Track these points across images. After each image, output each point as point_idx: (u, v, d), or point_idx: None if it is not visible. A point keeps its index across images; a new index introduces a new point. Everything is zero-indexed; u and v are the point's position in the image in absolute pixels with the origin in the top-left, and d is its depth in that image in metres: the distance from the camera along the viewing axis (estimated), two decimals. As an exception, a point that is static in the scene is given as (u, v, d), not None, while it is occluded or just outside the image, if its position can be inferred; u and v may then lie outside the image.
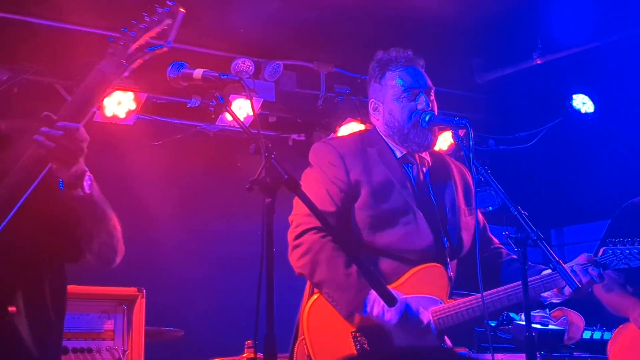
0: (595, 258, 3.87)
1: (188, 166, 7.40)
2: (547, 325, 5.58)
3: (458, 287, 4.18)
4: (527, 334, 3.51)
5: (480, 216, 4.27)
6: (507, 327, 5.50)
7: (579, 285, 3.57)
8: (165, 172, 7.16)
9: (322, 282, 3.81)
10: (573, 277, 3.55)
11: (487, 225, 4.32)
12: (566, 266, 3.74)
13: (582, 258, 3.86)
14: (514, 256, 4.19)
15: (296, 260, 3.88)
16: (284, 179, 2.70)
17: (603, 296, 5.23)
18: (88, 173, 2.84)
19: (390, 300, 2.83)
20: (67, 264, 3.11)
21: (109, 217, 2.98)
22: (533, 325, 5.63)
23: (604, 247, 3.91)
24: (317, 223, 3.77)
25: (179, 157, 7.34)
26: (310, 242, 3.83)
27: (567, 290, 3.83)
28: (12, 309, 2.77)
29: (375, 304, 3.75)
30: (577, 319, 5.80)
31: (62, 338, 3.15)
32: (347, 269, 3.77)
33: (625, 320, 5.11)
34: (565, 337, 5.41)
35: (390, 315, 3.76)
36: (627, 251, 3.87)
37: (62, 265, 3.07)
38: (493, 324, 5.60)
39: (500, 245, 4.28)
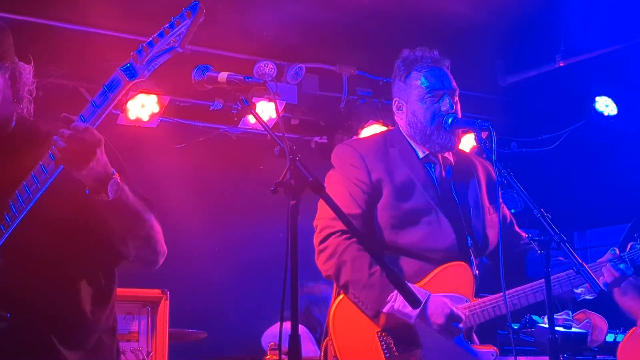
0: (622, 253, 3.87)
1: (211, 169, 7.43)
2: (570, 328, 5.56)
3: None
4: (551, 336, 3.52)
5: (507, 212, 4.27)
6: (529, 329, 5.49)
7: (603, 289, 3.56)
8: (189, 175, 7.19)
9: (348, 282, 3.84)
10: (597, 280, 3.54)
11: (514, 220, 4.31)
12: (594, 263, 3.75)
13: (610, 254, 3.88)
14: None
15: (322, 263, 3.91)
16: (308, 182, 2.71)
17: (619, 299, 5.22)
18: (116, 177, 2.84)
19: (413, 301, 2.84)
20: (113, 267, 3.10)
21: (143, 220, 2.97)
22: (556, 328, 5.63)
23: (632, 242, 3.90)
24: (341, 226, 3.81)
25: (202, 159, 7.37)
26: (334, 245, 3.86)
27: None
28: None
29: (397, 299, 3.75)
30: (600, 321, 5.78)
31: (114, 339, 3.12)
32: (371, 268, 3.79)
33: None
34: (589, 339, 5.39)
35: (410, 308, 3.73)
36: None
37: (100, 269, 3.05)
38: (516, 327, 5.59)
39: (529, 241, 4.26)
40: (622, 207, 7.72)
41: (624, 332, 5.79)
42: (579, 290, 3.91)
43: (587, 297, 3.97)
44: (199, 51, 6.95)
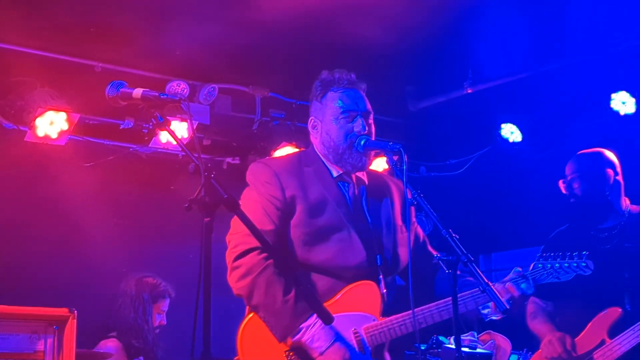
0: (525, 272, 3.97)
1: (121, 188, 7.33)
2: (475, 348, 5.68)
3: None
4: (457, 354, 3.60)
5: (420, 231, 4.34)
6: (436, 350, 5.59)
7: (507, 307, 3.65)
8: (98, 194, 7.08)
9: (259, 305, 3.84)
10: (502, 300, 3.63)
11: (427, 240, 4.39)
12: (498, 283, 3.85)
13: (513, 273, 3.96)
14: (458, 271, 4.27)
15: (235, 282, 3.89)
16: (223, 199, 2.73)
17: (529, 323, 5.35)
18: None
19: (326, 318, 2.87)
20: None
21: None
22: (462, 348, 5.73)
23: (535, 262, 4.01)
24: (256, 243, 3.81)
25: (112, 178, 7.26)
26: (250, 264, 3.85)
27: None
28: None
29: (307, 331, 3.79)
30: (504, 343, 5.92)
31: None
32: (285, 295, 3.80)
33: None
34: (493, 360, 5.51)
35: (318, 344, 3.79)
36: (557, 265, 3.97)
37: None
38: (423, 347, 5.68)
39: (438, 260, 4.34)
40: (526, 232, 7.92)
41: (527, 353, 5.95)
42: (485, 311, 3.98)
43: (494, 318, 4.05)
44: (111, 69, 6.89)
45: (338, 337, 3.83)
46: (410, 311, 3.86)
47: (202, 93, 7.30)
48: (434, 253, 4.33)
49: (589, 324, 4.98)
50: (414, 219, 4.30)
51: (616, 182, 5.21)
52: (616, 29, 6.79)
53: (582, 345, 4.95)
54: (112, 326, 6.24)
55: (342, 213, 4.03)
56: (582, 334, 4.99)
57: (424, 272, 4.21)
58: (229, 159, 7.86)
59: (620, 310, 4.93)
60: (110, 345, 6.09)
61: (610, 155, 5.29)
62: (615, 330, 4.90)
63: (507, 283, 3.91)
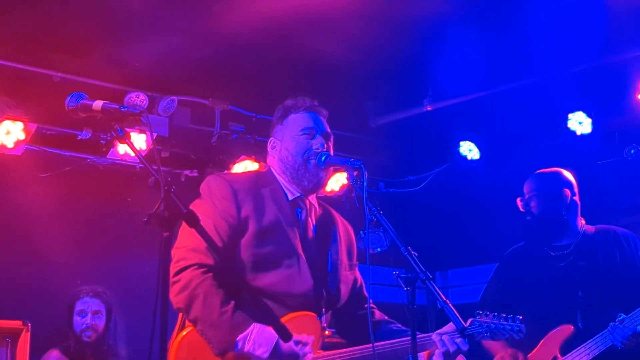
0: (462, 328, 3.99)
1: (77, 199, 7.26)
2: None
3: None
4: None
5: (358, 275, 4.35)
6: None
7: (465, 326, 3.67)
8: (55, 204, 7.00)
9: (197, 318, 3.78)
10: (459, 318, 3.65)
11: (363, 284, 4.39)
12: (435, 333, 3.87)
13: (450, 327, 3.90)
14: (386, 317, 4.31)
15: (174, 296, 3.82)
16: (182, 214, 2.71)
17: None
18: None
19: (285, 335, 2.85)
20: None
21: None
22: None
23: (472, 319, 4.02)
24: (199, 259, 3.79)
25: (68, 189, 7.19)
26: (189, 278, 3.79)
27: (436, 359, 3.91)
28: None
29: (247, 342, 3.74)
30: (458, 360, 5.94)
31: None
32: (223, 307, 3.75)
33: None
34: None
35: (262, 350, 3.74)
36: (493, 325, 3.95)
37: None
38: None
39: (374, 306, 4.35)
40: (482, 249, 7.99)
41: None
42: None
43: None
44: (69, 79, 6.83)
45: (278, 339, 3.79)
46: (362, 346, 3.86)
47: (161, 105, 7.26)
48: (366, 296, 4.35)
49: (542, 341, 5.03)
50: (355, 261, 4.31)
51: (573, 202, 5.27)
52: (573, 50, 6.89)
53: None
54: (52, 338, 6.19)
55: (294, 239, 4.00)
56: (534, 350, 5.03)
57: (355, 315, 4.21)
58: (187, 172, 7.81)
59: (572, 327, 4.99)
60: (52, 355, 6.02)
61: (568, 175, 5.36)
62: (567, 347, 4.96)
63: (444, 335, 3.90)
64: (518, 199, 5.39)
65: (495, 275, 5.49)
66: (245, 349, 3.73)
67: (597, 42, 6.73)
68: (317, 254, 4.08)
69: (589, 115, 7.42)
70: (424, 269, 3.62)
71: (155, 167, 2.77)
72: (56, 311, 6.31)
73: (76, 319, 6.23)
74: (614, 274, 5.13)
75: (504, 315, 3.98)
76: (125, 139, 2.96)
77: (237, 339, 3.73)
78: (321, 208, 4.26)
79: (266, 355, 3.74)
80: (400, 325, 4.11)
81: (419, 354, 3.92)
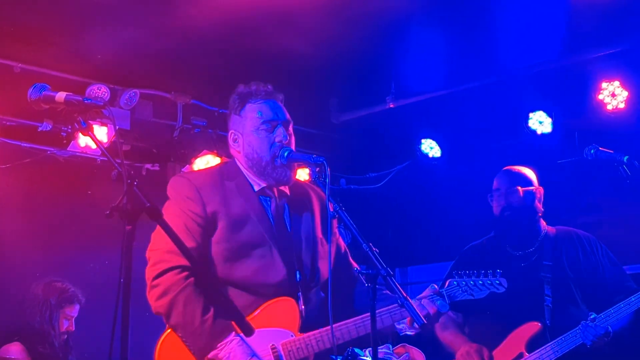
0: (441, 289, 4.02)
1: (37, 191, 7.17)
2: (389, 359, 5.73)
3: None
4: (373, 360, 3.62)
5: (341, 242, 4.36)
6: (352, 362, 5.61)
7: (425, 322, 3.69)
8: (14, 197, 6.90)
9: (178, 325, 3.81)
10: (420, 313, 3.67)
11: (348, 251, 4.40)
12: (414, 299, 3.89)
13: (429, 290, 4.01)
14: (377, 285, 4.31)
15: (154, 300, 3.85)
16: (145, 207, 2.69)
17: (440, 333, 5.39)
18: None
19: (247, 330, 2.86)
20: None
21: None
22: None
23: (450, 279, 4.07)
24: (177, 261, 3.79)
25: (29, 182, 7.10)
26: (169, 282, 3.81)
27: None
28: None
29: (224, 349, 3.76)
30: (418, 355, 5.99)
31: None
32: (204, 315, 3.77)
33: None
34: (406, 371, 5.57)
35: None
36: (472, 282, 4.03)
37: None
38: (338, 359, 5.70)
39: (361, 271, 4.37)
40: (442, 246, 8.02)
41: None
42: (400, 326, 4.03)
43: (408, 333, 4.09)
44: (30, 70, 6.75)
45: (254, 354, 3.82)
46: (328, 327, 3.87)
47: (123, 98, 7.21)
48: (355, 265, 4.37)
49: (507, 338, 5.06)
50: (335, 230, 4.31)
51: (539, 202, 5.34)
52: (535, 49, 6.95)
53: (500, 358, 5.03)
54: (15, 330, 6.09)
55: (264, 229, 4.01)
56: (499, 346, 5.06)
57: (344, 284, 4.22)
58: (148, 165, 7.76)
59: (539, 324, 5.03)
60: (13, 349, 5.94)
61: (534, 175, 5.42)
62: (533, 344, 5.00)
63: (423, 299, 3.96)
64: (494, 194, 5.40)
65: (453, 271, 5.51)
66: (220, 355, 3.76)
67: (558, 42, 6.80)
68: (290, 239, 4.08)
69: (549, 114, 7.49)
70: (385, 266, 3.62)
71: (119, 160, 2.75)
72: (14, 304, 6.24)
73: (63, 321, 6.17)
74: (578, 274, 5.20)
75: (483, 271, 4.04)
76: (88, 131, 2.93)
77: (218, 345, 3.76)
78: (292, 187, 4.23)
79: None
80: (387, 292, 4.05)
81: (404, 319, 3.94)
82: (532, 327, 5.03)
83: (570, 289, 5.18)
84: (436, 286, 4.06)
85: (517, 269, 5.23)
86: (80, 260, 7.10)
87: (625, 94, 7.03)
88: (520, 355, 4.99)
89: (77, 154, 7.25)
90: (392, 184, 8.53)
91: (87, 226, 7.01)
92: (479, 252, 5.45)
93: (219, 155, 7.30)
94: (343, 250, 4.35)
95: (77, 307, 6.29)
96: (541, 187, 5.38)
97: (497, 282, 4.06)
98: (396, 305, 3.84)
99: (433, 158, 8.24)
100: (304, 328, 3.97)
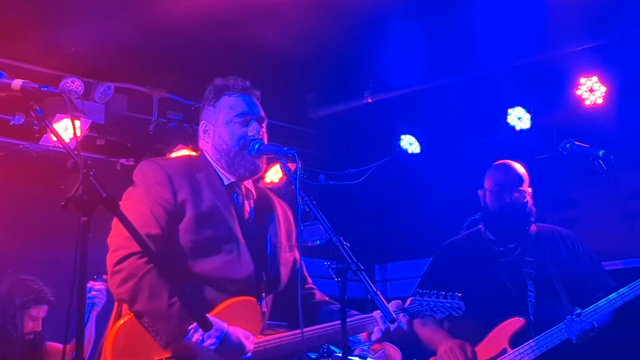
0: (404, 306, 4.00)
1: (9, 186, 7.10)
2: (365, 358, 5.68)
3: (273, 318, 4.21)
4: (343, 362, 3.58)
5: (297, 255, 4.30)
6: (327, 359, 5.56)
7: (395, 317, 3.63)
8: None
9: (143, 311, 3.70)
10: (390, 310, 3.62)
11: (303, 264, 4.36)
12: (377, 313, 3.87)
13: (392, 305, 3.96)
14: (327, 298, 4.30)
15: (116, 287, 3.75)
16: (102, 198, 2.62)
17: (419, 330, 5.35)
18: None
19: (205, 324, 2.79)
20: None
21: None
22: (352, 358, 5.72)
23: (412, 297, 4.04)
24: (137, 247, 3.66)
25: (1, 176, 7.02)
26: (131, 268, 3.71)
27: (375, 336, 3.94)
28: None
29: (197, 332, 3.68)
30: (394, 352, 5.94)
31: None
32: (170, 299, 3.67)
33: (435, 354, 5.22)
34: (382, 369, 5.52)
35: (210, 341, 3.70)
36: (432, 303, 4.01)
37: None
38: (314, 356, 5.64)
39: (314, 286, 4.36)
40: (421, 243, 8.00)
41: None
42: (355, 340, 4.03)
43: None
44: (3, 63, 6.67)
45: (228, 336, 3.74)
46: (290, 332, 3.85)
47: (98, 91, 7.12)
48: (309, 279, 4.37)
49: (490, 333, 5.01)
50: (294, 242, 4.27)
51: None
52: (513, 44, 6.92)
53: (483, 354, 4.98)
54: None
55: (232, 224, 3.94)
56: (482, 342, 5.02)
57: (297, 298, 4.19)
58: (123, 160, 7.68)
59: (523, 320, 4.99)
60: None
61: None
62: (517, 339, 4.96)
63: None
64: (480, 191, 5.37)
65: (433, 266, 5.47)
66: (193, 339, 3.68)
67: (537, 37, 6.78)
68: (256, 238, 4.02)
69: (528, 110, 7.47)
70: (355, 260, 3.57)
71: (75, 150, 2.67)
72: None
73: (28, 321, 6.04)
74: (561, 270, 5.20)
75: (443, 293, 4.01)
76: (44, 119, 2.85)
77: (189, 328, 3.67)
78: (258, 192, 4.20)
79: (214, 347, 3.70)
80: (334, 307, 4.08)
81: (359, 334, 3.94)
82: (515, 323, 4.99)
83: (553, 285, 5.16)
84: (400, 303, 4.02)
85: (498, 265, 5.21)
86: (52, 254, 7.00)
87: (603, 89, 7.02)
88: (504, 351, 4.95)
89: (50, 148, 7.17)
90: (371, 180, 8.50)
91: (60, 220, 6.90)
92: (459, 248, 5.41)
93: (194, 150, 7.24)
94: (298, 264, 4.30)
95: (45, 308, 6.13)
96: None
97: (457, 305, 4.03)
98: (364, 315, 3.91)
99: (412, 154, 8.20)
100: (263, 331, 3.92)
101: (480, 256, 5.27)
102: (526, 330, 4.98)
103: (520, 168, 5.37)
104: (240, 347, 3.77)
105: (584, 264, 5.22)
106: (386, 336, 3.92)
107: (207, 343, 3.69)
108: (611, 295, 4.91)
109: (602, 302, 4.89)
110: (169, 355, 3.72)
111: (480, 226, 5.45)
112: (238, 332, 3.78)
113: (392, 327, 3.89)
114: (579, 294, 5.15)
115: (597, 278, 5.19)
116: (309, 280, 4.37)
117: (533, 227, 5.32)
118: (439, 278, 5.27)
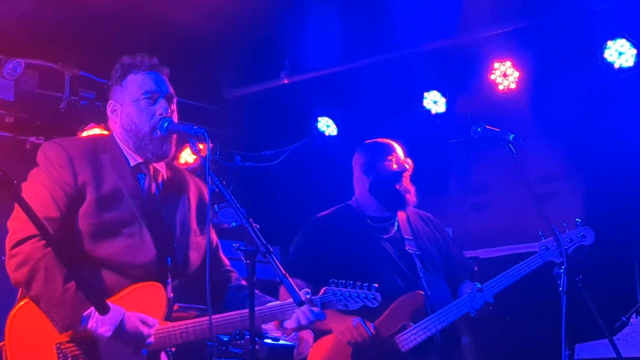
0: (316, 297, 3.97)
1: None
2: (278, 340, 5.67)
3: (180, 299, 4.14)
4: (251, 347, 3.55)
5: (214, 236, 4.24)
6: (239, 342, 5.53)
7: (303, 300, 3.60)
8: None
9: (39, 295, 3.63)
10: (299, 293, 3.58)
11: (219, 246, 4.31)
12: (287, 303, 3.85)
13: (302, 293, 3.85)
14: (243, 282, 4.23)
15: (12, 271, 3.67)
16: (-5, 175, 2.52)
17: None
18: None
19: (101, 308, 2.71)
20: None
21: None
22: (265, 340, 5.70)
23: (326, 287, 4.01)
24: (35, 231, 3.58)
25: None
26: (27, 252, 3.63)
27: (288, 324, 3.93)
28: None
29: (92, 318, 3.62)
30: (307, 335, 5.92)
31: None
32: (65, 284, 3.60)
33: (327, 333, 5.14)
34: (295, 352, 5.50)
35: (105, 328, 3.63)
36: (347, 293, 4.00)
37: None
38: (226, 339, 5.60)
39: (231, 269, 4.31)
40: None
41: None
42: (267, 327, 4.00)
43: (274, 335, 4.05)
44: None
45: (123, 323, 3.67)
46: (197, 319, 3.81)
47: (7, 67, 6.93)
48: (225, 261, 4.30)
49: (390, 308, 4.98)
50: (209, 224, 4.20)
51: None
52: (429, 27, 6.95)
53: (383, 329, 4.97)
54: None
55: (136, 207, 3.87)
56: (381, 318, 4.97)
57: (212, 278, 4.11)
58: (32, 138, 7.47)
59: (423, 294, 5.01)
60: None
61: None
62: (417, 314, 4.99)
63: (304, 307, 3.87)
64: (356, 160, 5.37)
65: (297, 247, 5.42)
66: (89, 326, 3.62)
67: (453, 21, 6.82)
68: (162, 222, 3.95)
69: (443, 94, 7.53)
70: (265, 242, 3.53)
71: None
72: None
73: None
74: (437, 249, 5.34)
75: (359, 283, 4.00)
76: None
77: (84, 315, 3.60)
78: (171, 171, 4.12)
79: (109, 334, 3.64)
80: (258, 292, 4.01)
81: (268, 324, 3.92)
82: (415, 297, 5.01)
83: (435, 263, 5.28)
84: (309, 290, 3.99)
85: (383, 241, 5.23)
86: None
87: (516, 74, 7.12)
88: (404, 326, 4.96)
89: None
90: (288, 162, 8.45)
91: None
92: (332, 224, 5.37)
93: (106, 129, 7.07)
94: (214, 244, 4.25)
95: None
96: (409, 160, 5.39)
97: (372, 296, 4.05)
98: (276, 304, 3.90)
99: (329, 136, 8.20)
100: (168, 317, 3.86)
101: (360, 232, 5.28)
102: (425, 304, 5.03)
103: (388, 140, 5.46)
104: (138, 333, 3.71)
105: (451, 246, 5.43)
106: (300, 327, 3.91)
107: (101, 330, 3.63)
108: (510, 270, 5.00)
109: (500, 276, 4.98)
110: (67, 339, 3.64)
111: (352, 201, 5.47)
112: (135, 319, 3.71)
113: (302, 311, 3.86)
114: (448, 273, 5.32)
115: (462, 259, 5.45)
116: (226, 262, 4.30)
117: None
118: (316, 258, 5.20)
